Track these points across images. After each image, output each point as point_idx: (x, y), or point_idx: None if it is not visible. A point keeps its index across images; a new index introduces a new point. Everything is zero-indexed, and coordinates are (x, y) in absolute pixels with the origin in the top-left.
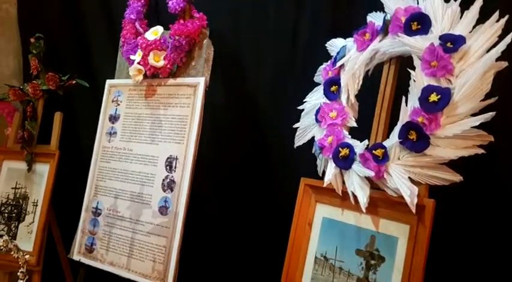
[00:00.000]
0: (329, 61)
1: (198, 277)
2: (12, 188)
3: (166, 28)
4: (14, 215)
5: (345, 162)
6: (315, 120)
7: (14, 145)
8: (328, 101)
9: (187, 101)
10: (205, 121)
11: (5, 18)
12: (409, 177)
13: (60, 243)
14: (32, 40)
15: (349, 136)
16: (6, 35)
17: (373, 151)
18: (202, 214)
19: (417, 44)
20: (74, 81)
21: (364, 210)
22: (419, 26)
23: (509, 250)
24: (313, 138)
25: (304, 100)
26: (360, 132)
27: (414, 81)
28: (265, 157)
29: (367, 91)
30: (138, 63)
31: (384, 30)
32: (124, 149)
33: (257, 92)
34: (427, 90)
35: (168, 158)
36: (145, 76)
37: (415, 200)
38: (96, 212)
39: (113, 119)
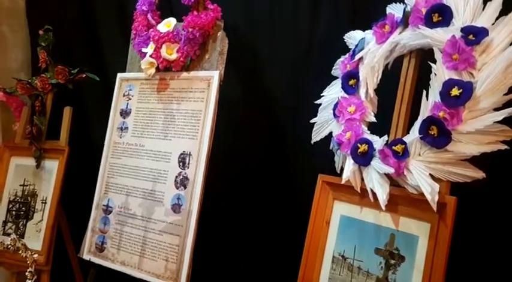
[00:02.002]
0: (347, 54)
1: (211, 277)
2: (20, 185)
3: (179, 20)
4: (22, 212)
5: (363, 159)
6: (333, 115)
7: (22, 141)
8: (346, 95)
9: (201, 95)
10: (220, 116)
11: (13, 9)
12: (430, 174)
13: (70, 242)
14: (41, 32)
15: (368, 131)
16: (14, 26)
17: (393, 147)
18: (216, 212)
19: (438, 37)
20: (84, 75)
21: (383, 207)
22: (440, 18)
23: None
24: (330, 133)
25: (321, 94)
26: (379, 127)
27: (435, 74)
28: (282, 153)
29: (387, 85)
30: (150, 56)
31: (404, 22)
32: (135, 145)
33: (273, 86)
34: (448, 84)
35: (181, 154)
36: (157, 69)
37: (436, 198)
38: (107, 210)
39: (124, 113)
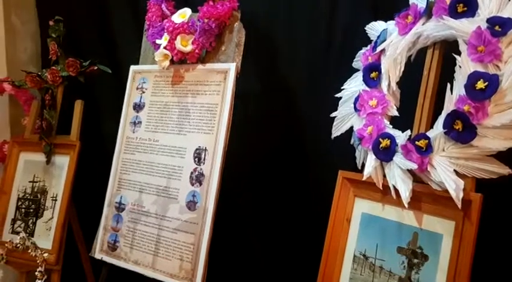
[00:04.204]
0: (369, 46)
1: (228, 277)
2: (29, 182)
3: (194, 10)
4: (31, 210)
5: (385, 154)
6: (354, 109)
7: (31, 136)
8: (367, 89)
9: (217, 88)
10: (236, 110)
11: None
12: (455, 170)
13: (81, 240)
14: (51, 23)
15: (390, 126)
16: (23, 17)
17: (416, 142)
18: (232, 209)
19: (463, 28)
20: (96, 67)
21: (406, 205)
22: (465, 8)
23: None
24: (351, 128)
25: (342, 87)
26: (402, 121)
27: (460, 67)
28: (301, 149)
29: (410, 78)
30: (165, 47)
31: (428, 13)
32: (149, 140)
33: (291, 79)
34: (473, 77)
35: (196, 149)
36: (172, 62)
37: (461, 195)
38: (120, 207)
39: (138, 107)
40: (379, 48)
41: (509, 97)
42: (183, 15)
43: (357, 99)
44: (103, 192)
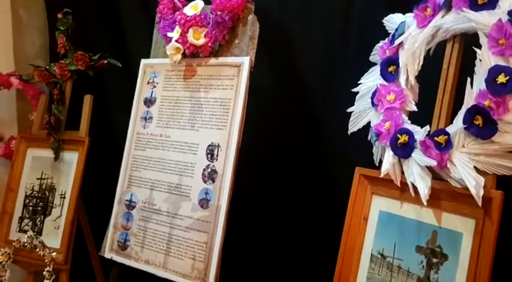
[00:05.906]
0: (386, 39)
1: (241, 276)
2: (37, 179)
3: (207, 2)
4: (39, 208)
5: (404, 150)
6: (371, 104)
7: (39, 131)
8: (385, 83)
9: (230, 82)
10: (250, 105)
11: None
12: (475, 167)
13: (91, 239)
14: (60, 16)
15: (409, 121)
16: (30, 10)
17: (435, 138)
18: (246, 207)
19: (483, 20)
20: (106, 61)
21: (425, 202)
22: (485, 0)
23: None
24: (368, 123)
25: (359, 82)
26: (421, 117)
27: (480, 61)
28: (316, 145)
29: (429, 72)
30: (176, 41)
31: (447, 5)
32: (161, 136)
33: (307, 73)
34: (494, 71)
35: (209, 145)
36: (184, 55)
37: (481, 192)
38: (130, 205)
39: (149, 102)
40: (397, 42)
41: None
42: (195, 7)
43: (374, 93)
44: (113, 189)
